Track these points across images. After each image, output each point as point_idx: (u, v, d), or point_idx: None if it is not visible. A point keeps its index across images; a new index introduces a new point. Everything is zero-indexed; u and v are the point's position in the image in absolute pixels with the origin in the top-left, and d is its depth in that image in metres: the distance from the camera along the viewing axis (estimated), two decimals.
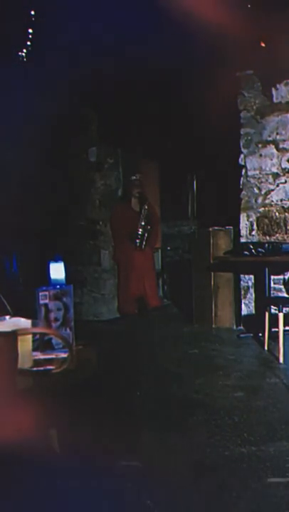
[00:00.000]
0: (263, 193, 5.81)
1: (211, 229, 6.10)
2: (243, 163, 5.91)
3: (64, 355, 1.84)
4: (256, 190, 5.84)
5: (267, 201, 5.79)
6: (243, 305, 5.91)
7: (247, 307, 5.88)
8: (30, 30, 4.89)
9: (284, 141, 5.71)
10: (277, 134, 5.74)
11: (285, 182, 5.70)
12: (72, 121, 6.58)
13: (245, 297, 5.89)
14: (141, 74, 5.19)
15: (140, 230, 6.70)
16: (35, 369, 1.82)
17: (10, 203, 5.54)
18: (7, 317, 1.92)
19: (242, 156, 5.91)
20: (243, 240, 5.85)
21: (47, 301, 2.04)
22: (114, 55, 4.82)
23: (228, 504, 2.18)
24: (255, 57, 5.33)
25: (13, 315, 1.97)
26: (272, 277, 5.50)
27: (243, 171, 5.91)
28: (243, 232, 5.88)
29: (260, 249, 5.26)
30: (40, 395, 1.69)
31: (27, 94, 5.03)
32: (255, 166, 5.84)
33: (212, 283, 6.03)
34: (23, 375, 1.68)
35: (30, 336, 1.85)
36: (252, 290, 5.85)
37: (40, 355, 1.95)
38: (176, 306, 7.57)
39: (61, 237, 6.51)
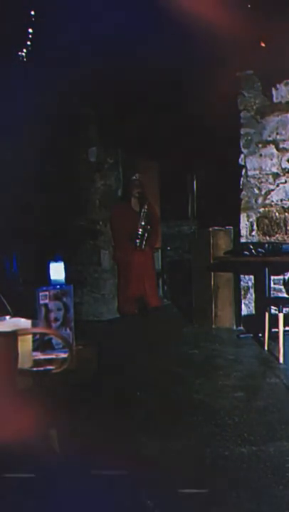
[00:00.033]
0: (263, 193, 5.81)
1: (211, 229, 6.10)
2: (243, 163, 5.91)
3: (64, 355, 1.84)
4: (256, 191, 5.84)
5: (267, 201, 5.79)
6: (243, 305, 5.91)
7: (247, 307, 5.88)
8: (30, 30, 4.89)
9: (284, 141, 5.71)
10: (277, 134, 5.74)
11: (285, 182, 5.70)
12: (72, 121, 6.58)
13: (245, 297, 5.89)
14: (141, 74, 5.18)
15: (140, 230, 6.70)
16: (35, 369, 1.82)
17: (10, 203, 5.54)
18: (7, 317, 1.92)
19: (242, 156, 5.91)
20: (243, 240, 5.84)
21: (47, 301, 2.04)
22: (114, 55, 4.82)
23: (228, 504, 2.18)
24: (255, 57, 5.33)
25: (13, 315, 1.97)
26: (272, 277, 5.50)
27: (243, 171, 5.91)
28: (243, 232, 5.88)
29: (260, 250, 5.26)
30: (40, 395, 1.69)
31: (27, 94, 5.03)
32: (255, 166, 5.84)
33: (212, 283, 6.03)
34: (23, 375, 1.68)
35: (30, 336, 1.85)
36: (252, 290, 5.85)
37: (40, 355, 1.95)
38: (176, 306, 7.57)
39: (61, 237, 6.51)
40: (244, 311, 5.90)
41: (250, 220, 5.86)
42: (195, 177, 8.56)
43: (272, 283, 5.51)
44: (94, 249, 6.91)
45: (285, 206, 5.70)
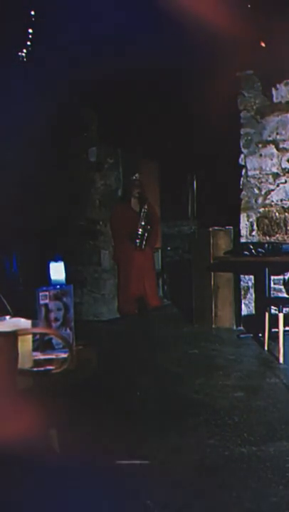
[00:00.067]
0: (263, 193, 5.81)
1: (211, 229, 6.10)
2: (243, 163, 5.91)
3: (64, 355, 1.84)
4: (256, 191, 5.84)
5: (267, 201, 5.79)
6: (243, 305, 5.91)
7: (247, 307, 5.88)
8: (30, 30, 4.89)
9: (284, 141, 5.71)
10: (277, 134, 5.74)
11: (285, 182, 5.70)
12: (72, 121, 6.58)
13: (245, 297, 5.89)
14: (141, 74, 5.19)
15: (140, 229, 6.70)
16: (35, 369, 1.82)
17: (10, 203, 5.54)
18: (7, 317, 1.92)
19: (242, 156, 5.91)
20: (243, 240, 5.84)
21: (47, 301, 2.04)
22: (115, 55, 4.82)
23: (228, 504, 2.18)
24: (255, 57, 5.33)
25: (13, 315, 1.97)
26: (272, 277, 5.50)
27: (243, 171, 5.92)
28: (243, 232, 5.88)
29: (260, 250, 5.26)
30: (40, 395, 1.69)
31: (27, 94, 5.03)
32: (255, 166, 5.84)
33: (212, 283, 6.03)
34: (23, 375, 1.68)
35: (30, 336, 1.85)
36: (252, 290, 5.85)
37: (40, 355, 1.95)
38: (176, 306, 7.57)
39: (61, 237, 6.52)
40: (244, 311, 5.90)
41: (250, 220, 5.86)
42: (195, 177, 8.56)
43: (272, 283, 5.51)
44: (94, 249, 6.91)
45: (285, 206, 5.70)
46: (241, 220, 5.90)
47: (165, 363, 4.50)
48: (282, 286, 5.68)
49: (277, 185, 5.74)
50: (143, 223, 6.72)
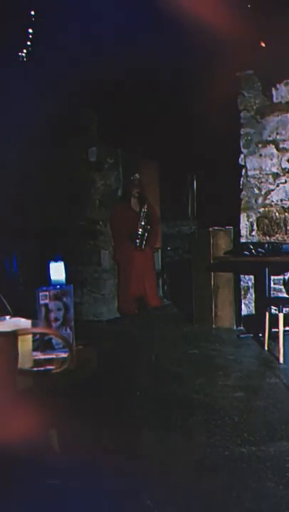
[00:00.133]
0: (263, 193, 5.81)
1: (211, 229, 6.10)
2: (243, 163, 5.91)
3: (64, 355, 1.84)
4: (256, 191, 5.84)
5: (267, 201, 5.79)
6: (243, 305, 5.91)
7: (247, 307, 5.88)
8: (30, 30, 4.88)
9: (284, 141, 5.71)
10: (277, 134, 5.74)
11: (285, 182, 5.70)
12: (72, 121, 6.58)
13: (245, 297, 5.89)
14: (141, 74, 5.18)
15: (140, 229, 6.71)
16: (35, 369, 1.82)
17: (10, 203, 5.54)
18: (7, 317, 1.92)
19: (242, 156, 5.91)
20: (243, 240, 5.84)
21: (47, 301, 2.04)
22: (114, 55, 4.82)
23: (228, 504, 2.18)
24: (255, 57, 5.33)
25: (13, 315, 1.97)
26: (272, 277, 5.50)
27: (243, 171, 5.92)
28: (243, 232, 5.88)
29: (260, 250, 5.26)
30: (40, 395, 1.69)
31: (27, 94, 5.03)
32: (255, 166, 5.84)
33: (212, 283, 6.03)
34: (23, 375, 1.68)
35: (30, 336, 1.85)
36: (252, 290, 5.85)
37: (40, 355, 1.95)
38: (176, 306, 7.57)
39: (61, 237, 6.51)
40: (244, 311, 5.90)
41: (250, 220, 5.86)
42: (195, 177, 8.56)
43: (272, 283, 5.51)
44: (94, 249, 6.91)
45: (285, 206, 5.70)
46: (241, 220, 5.90)
47: (165, 363, 4.50)
48: (282, 286, 5.68)
49: (277, 185, 5.74)
50: (143, 223, 6.73)
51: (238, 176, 5.94)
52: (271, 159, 5.76)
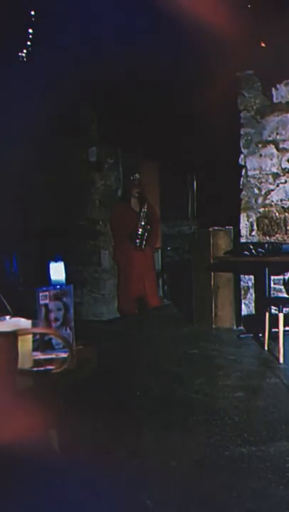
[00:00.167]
0: (263, 193, 5.81)
1: (211, 229, 6.10)
2: (243, 163, 5.91)
3: (64, 355, 1.84)
4: (256, 191, 5.84)
5: (267, 201, 5.79)
6: (243, 305, 5.91)
7: (247, 307, 5.88)
8: (30, 30, 4.88)
9: (284, 141, 5.71)
10: (277, 134, 5.74)
11: (285, 182, 5.70)
12: (72, 121, 6.58)
13: (245, 297, 5.89)
14: (141, 74, 5.19)
15: (140, 229, 6.71)
16: (35, 369, 1.82)
17: (10, 203, 5.54)
18: (7, 317, 1.92)
19: (242, 156, 5.91)
20: (243, 240, 5.84)
21: (47, 301, 2.04)
22: (114, 55, 4.82)
23: (228, 504, 2.18)
24: (255, 57, 5.33)
25: (13, 315, 1.97)
26: (272, 277, 5.50)
27: (243, 171, 5.91)
28: (243, 232, 5.88)
29: (260, 250, 5.26)
30: (40, 395, 1.69)
31: (27, 94, 5.03)
32: (255, 166, 5.84)
33: (212, 283, 6.03)
34: (23, 375, 1.68)
35: (30, 336, 1.85)
36: (252, 290, 5.85)
37: (40, 355, 1.95)
38: (176, 306, 7.57)
39: (61, 237, 6.51)
40: (244, 311, 5.90)
41: (250, 220, 5.86)
42: (195, 177, 8.56)
43: (272, 283, 5.51)
44: (94, 249, 6.91)
45: (285, 206, 5.70)
46: (241, 220, 5.90)
47: (165, 363, 4.50)
48: (282, 286, 5.68)
49: (277, 185, 5.74)
50: (143, 223, 6.73)
51: (238, 175, 5.94)
52: (271, 159, 5.76)
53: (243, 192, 5.91)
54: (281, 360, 4.39)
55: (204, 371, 4.26)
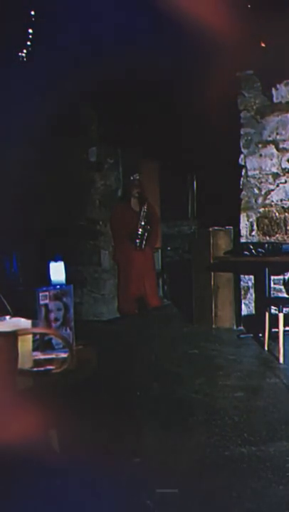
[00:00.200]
0: (263, 193, 5.81)
1: (211, 229, 6.10)
2: (243, 163, 5.91)
3: (64, 355, 1.84)
4: (256, 191, 5.84)
5: (267, 201, 5.79)
6: (243, 305, 5.91)
7: (247, 307, 5.88)
8: (30, 30, 4.88)
9: (284, 141, 5.71)
10: (277, 134, 5.74)
11: (285, 182, 5.70)
12: (72, 121, 6.58)
13: (245, 297, 5.89)
14: (141, 74, 5.18)
15: (140, 229, 6.71)
16: (35, 369, 1.82)
17: (10, 203, 5.54)
18: (7, 317, 1.92)
19: (242, 156, 5.91)
20: (243, 240, 5.84)
21: (47, 301, 2.04)
22: (114, 55, 4.82)
23: (228, 504, 2.18)
24: (255, 57, 5.33)
25: (13, 315, 1.97)
26: (272, 277, 5.50)
27: (243, 171, 5.92)
28: (243, 232, 5.88)
29: (260, 250, 5.26)
30: (40, 395, 1.69)
31: (27, 94, 5.03)
32: (255, 166, 5.84)
33: (212, 283, 6.03)
34: (23, 375, 1.68)
35: (30, 336, 1.85)
36: (252, 290, 5.85)
37: (40, 355, 1.95)
38: (176, 306, 7.57)
39: (61, 237, 6.51)
40: (244, 311, 5.90)
41: (250, 220, 5.86)
42: (195, 177, 8.55)
43: (272, 283, 5.51)
44: (94, 249, 6.91)
45: (285, 206, 5.70)
46: (241, 220, 5.90)
47: (165, 363, 4.50)
48: (282, 286, 5.68)
49: (277, 185, 5.74)
50: (143, 223, 6.73)
51: (238, 175, 5.94)
52: (271, 159, 5.76)
53: (243, 192, 5.91)
54: (281, 360, 4.39)
55: (204, 371, 4.26)
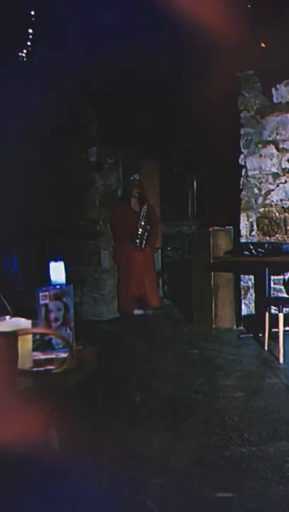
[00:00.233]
0: (263, 193, 5.81)
1: (211, 229, 6.10)
2: (243, 163, 5.91)
3: (64, 355, 1.84)
4: (256, 191, 5.84)
5: (267, 201, 5.79)
6: (243, 305, 5.91)
7: (247, 307, 5.88)
8: (30, 30, 4.88)
9: (284, 141, 5.71)
10: (277, 134, 5.74)
11: (285, 182, 5.70)
12: (72, 121, 6.58)
13: (245, 297, 5.89)
14: (141, 74, 5.19)
15: (140, 229, 6.72)
16: (35, 369, 1.82)
17: (10, 203, 5.54)
18: (7, 317, 1.92)
19: (242, 156, 5.91)
20: (243, 240, 5.84)
21: (47, 301, 2.04)
22: (114, 55, 4.82)
23: (228, 504, 2.18)
24: (255, 57, 5.33)
25: (13, 315, 1.97)
26: (272, 277, 5.50)
27: (243, 171, 5.91)
28: (243, 232, 5.88)
29: (260, 250, 5.26)
30: (40, 395, 1.69)
31: (27, 94, 5.03)
32: (255, 166, 5.84)
33: (212, 283, 6.03)
34: (23, 375, 1.68)
35: (30, 336, 1.85)
36: (252, 290, 5.85)
37: (40, 355, 1.95)
38: (176, 306, 7.57)
39: (61, 237, 6.51)
40: (244, 311, 5.90)
41: (250, 220, 5.86)
42: (195, 177, 8.56)
43: (272, 283, 5.51)
44: (94, 249, 6.91)
45: (285, 206, 5.70)
46: (241, 220, 5.90)
47: (165, 363, 4.50)
48: (282, 286, 5.68)
49: (277, 185, 5.74)
50: (143, 223, 6.74)
51: (238, 175, 5.94)
52: (271, 159, 5.76)
53: (243, 192, 5.91)
54: (281, 360, 4.39)
55: (204, 371, 4.26)
